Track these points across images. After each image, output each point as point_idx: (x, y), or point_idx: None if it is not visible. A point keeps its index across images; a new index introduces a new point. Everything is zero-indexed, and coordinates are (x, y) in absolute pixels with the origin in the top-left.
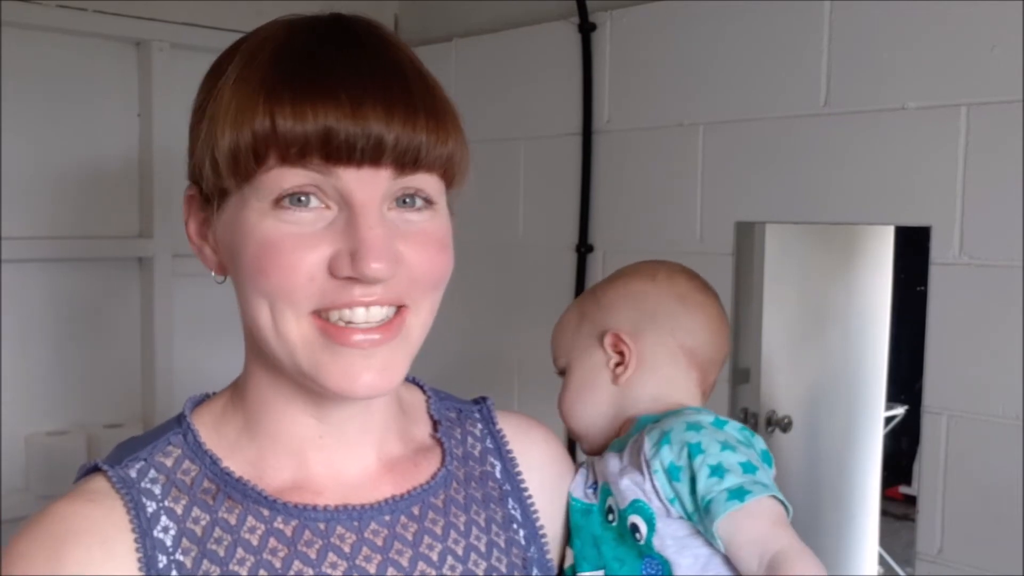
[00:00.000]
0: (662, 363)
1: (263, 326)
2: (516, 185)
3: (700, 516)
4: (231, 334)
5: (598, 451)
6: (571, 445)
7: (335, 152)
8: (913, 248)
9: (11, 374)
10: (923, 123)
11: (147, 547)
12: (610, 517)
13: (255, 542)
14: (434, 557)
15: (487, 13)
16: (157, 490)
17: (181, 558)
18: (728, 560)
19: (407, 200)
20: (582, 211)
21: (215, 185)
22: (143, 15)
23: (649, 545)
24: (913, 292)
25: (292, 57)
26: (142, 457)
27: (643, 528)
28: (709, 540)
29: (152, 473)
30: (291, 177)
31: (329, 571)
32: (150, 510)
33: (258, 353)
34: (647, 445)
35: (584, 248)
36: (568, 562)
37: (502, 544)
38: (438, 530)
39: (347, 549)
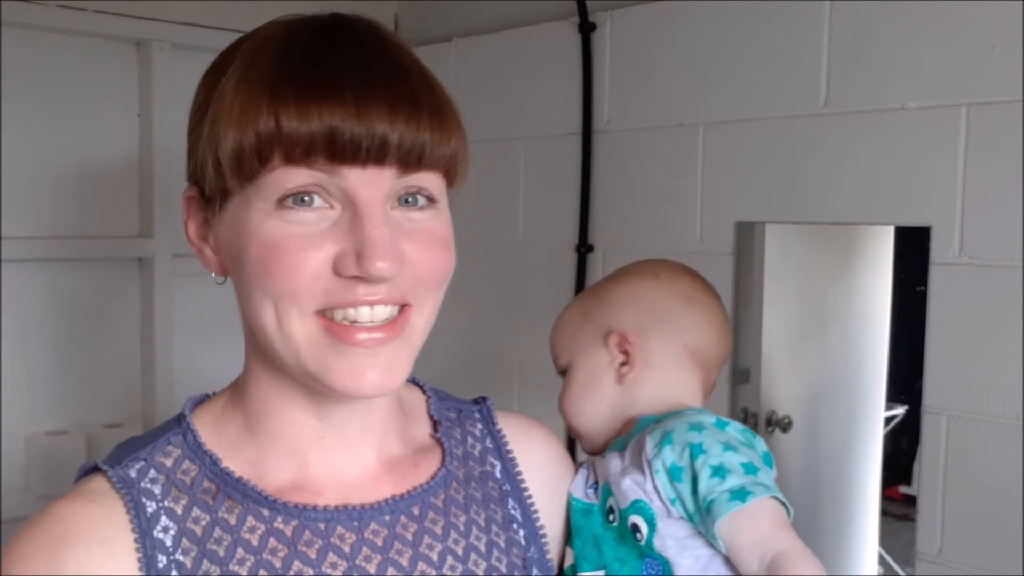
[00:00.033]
0: (666, 363)
1: (267, 326)
2: (516, 185)
3: (701, 516)
4: (231, 334)
5: (599, 450)
6: (571, 445)
7: (340, 152)
8: (913, 248)
9: (11, 374)
10: (923, 123)
11: (147, 547)
12: (611, 517)
13: (255, 542)
14: (434, 557)
15: (487, 13)
16: (157, 490)
17: (181, 558)
18: (728, 561)
19: (409, 199)
20: (582, 211)
21: (217, 186)
22: (143, 15)
23: (650, 545)
24: (913, 292)
25: (295, 57)
26: (142, 457)
27: (644, 528)
28: (709, 541)
29: (152, 473)
30: (295, 176)
31: (329, 571)
32: (150, 510)
33: (260, 353)
34: (649, 445)
35: (584, 248)
36: (568, 562)
37: (502, 544)
38: (438, 530)
39: (347, 549)
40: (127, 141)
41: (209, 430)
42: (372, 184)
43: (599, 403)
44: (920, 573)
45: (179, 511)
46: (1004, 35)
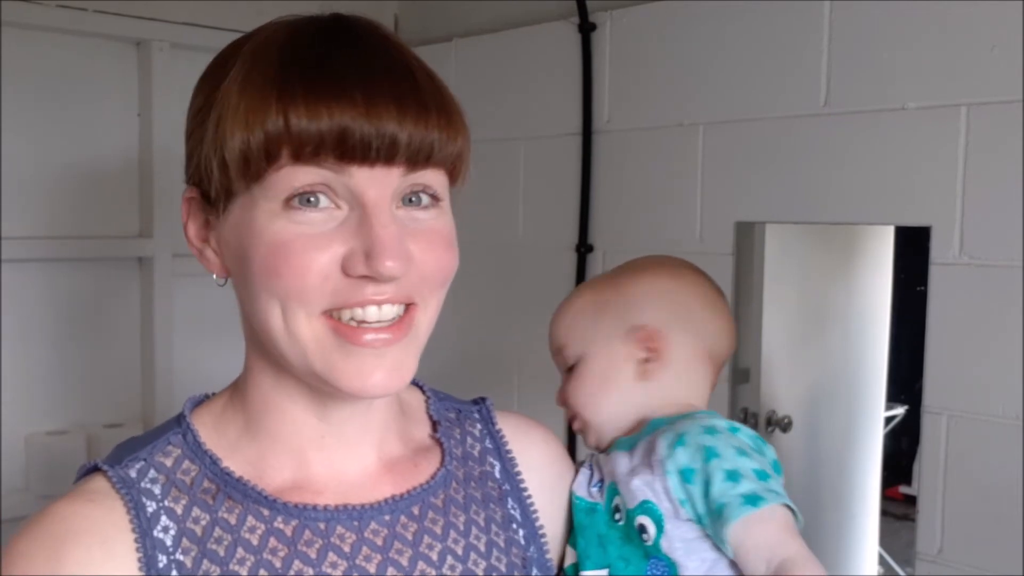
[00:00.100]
0: (685, 363)
1: (274, 327)
2: (516, 185)
3: (711, 519)
4: (231, 334)
5: (605, 447)
6: (571, 445)
7: (350, 151)
8: (913, 248)
9: (11, 374)
10: (923, 123)
11: (147, 547)
12: (617, 516)
13: (255, 542)
14: (434, 557)
15: (487, 13)
16: (157, 490)
17: (181, 558)
18: (733, 564)
19: (413, 199)
20: (582, 211)
21: (222, 187)
22: (143, 15)
23: (656, 546)
24: (913, 292)
25: (300, 57)
26: (142, 457)
27: (651, 529)
28: (717, 543)
29: (152, 473)
30: (303, 175)
31: (329, 571)
32: (150, 510)
33: (261, 353)
34: (662, 446)
35: (584, 248)
36: (568, 561)
37: (501, 544)
38: (438, 530)
39: (347, 549)
40: (127, 141)
41: (209, 430)
42: (379, 183)
43: (616, 398)
44: (920, 573)
45: (179, 511)
46: (1004, 35)
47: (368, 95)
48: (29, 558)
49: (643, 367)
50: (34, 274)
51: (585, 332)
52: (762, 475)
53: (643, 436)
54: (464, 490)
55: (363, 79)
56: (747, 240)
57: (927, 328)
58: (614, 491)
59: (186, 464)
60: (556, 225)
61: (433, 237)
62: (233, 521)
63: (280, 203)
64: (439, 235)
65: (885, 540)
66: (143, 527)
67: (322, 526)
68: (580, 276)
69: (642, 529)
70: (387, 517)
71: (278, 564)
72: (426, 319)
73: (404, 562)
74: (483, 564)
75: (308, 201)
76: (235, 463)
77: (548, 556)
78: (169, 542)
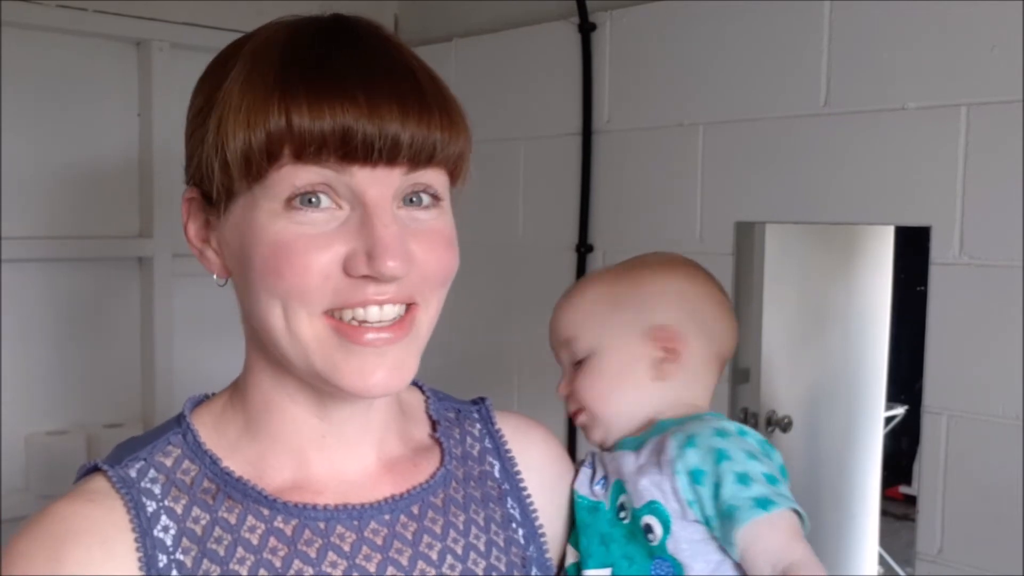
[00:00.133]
0: (698, 365)
1: (275, 327)
2: (516, 185)
3: (720, 521)
4: (231, 334)
5: (609, 445)
6: (570, 445)
7: (352, 151)
8: (913, 248)
9: (11, 374)
10: (923, 123)
11: (147, 546)
12: (622, 515)
13: (255, 541)
14: (433, 556)
15: (487, 13)
16: (157, 490)
17: (181, 557)
18: (738, 566)
19: (414, 199)
20: (582, 211)
21: (223, 187)
22: (143, 15)
23: (662, 547)
24: (913, 292)
25: (302, 57)
26: (142, 457)
27: (658, 529)
28: (723, 545)
29: (152, 473)
30: (304, 174)
31: (329, 570)
32: (150, 510)
33: (262, 353)
34: (672, 446)
35: (584, 248)
36: (569, 560)
37: (501, 543)
38: (437, 529)
39: (347, 548)
40: (127, 141)
41: (209, 430)
42: (381, 183)
43: (630, 396)
44: (920, 573)
45: (179, 511)
46: (1004, 35)
47: (370, 95)
48: (29, 558)
49: (660, 367)
50: (34, 274)
51: (600, 326)
52: (771, 479)
53: (650, 436)
54: (464, 489)
55: (365, 79)
56: (747, 240)
57: (927, 328)
58: (620, 489)
59: (186, 464)
60: (556, 225)
61: (434, 237)
62: (233, 521)
63: (281, 203)
64: (440, 235)
65: (885, 540)
66: (143, 527)
67: (322, 525)
68: (580, 276)
69: (648, 529)
70: (387, 516)
71: (278, 563)
72: (427, 319)
73: (404, 561)
74: (483, 563)
75: (309, 201)
76: (235, 463)
77: (548, 555)
78: (169, 542)
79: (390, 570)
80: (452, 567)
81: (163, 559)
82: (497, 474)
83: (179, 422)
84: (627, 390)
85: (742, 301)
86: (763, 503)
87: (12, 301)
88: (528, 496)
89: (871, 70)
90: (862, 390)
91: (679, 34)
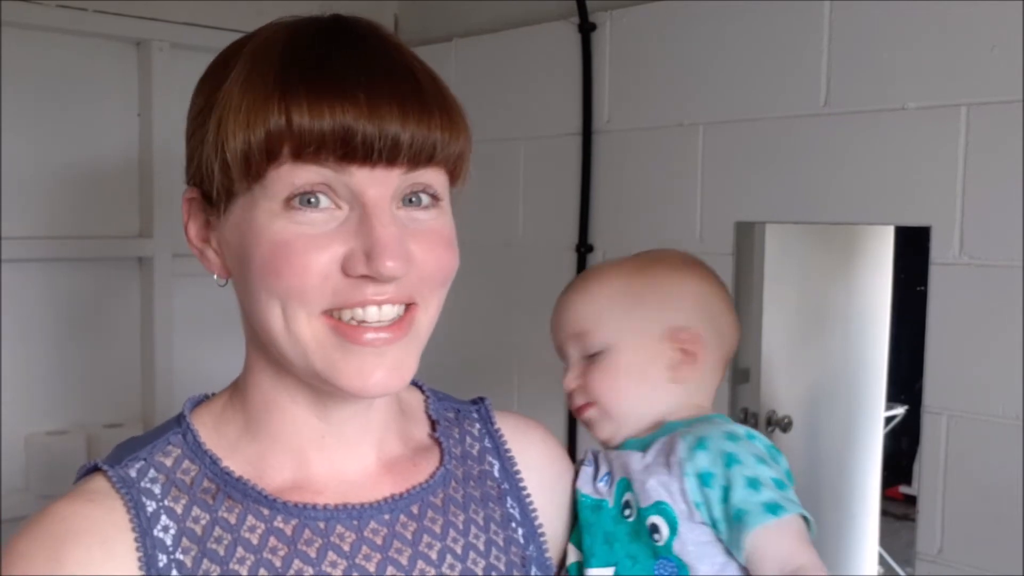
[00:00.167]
0: (708, 367)
1: (274, 327)
2: (516, 185)
3: (728, 524)
4: (231, 334)
5: (616, 442)
6: (570, 445)
7: (352, 151)
8: (913, 248)
9: (11, 374)
10: (923, 123)
11: (147, 546)
12: (626, 513)
13: (255, 541)
14: (433, 556)
15: (487, 13)
16: (157, 489)
17: (181, 557)
18: (744, 569)
19: (414, 199)
20: (582, 211)
21: (223, 187)
22: (143, 15)
23: (668, 547)
24: (913, 292)
25: (302, 57)
26: (142, 457)
27: (664, 530)
28: (730, 548)
29: (152, 473)
30: (303, 174)
31: (329, 570)
32: (150, 509)
33: (261, 353)
34: (681, 448)
35: (584, 248)
36: (571, 559)
37: (501, 543)
38: (437, 529)
39: (347, 548)
40: (127, 141)
41: (209, 430)
42: (380, 183)
43: (645, 396)
44: (920, 573)
45: (179, 510)
46: (1004, 35)
47: (371, 95)
48: (29, 558)
49: (676, 369)
50: (34, 274)
51: (618, 322)
52: (780, 484)
53: (658, 437)
54: (463, 489)
55: (365, 79)
56: (747, 240)
57: (927, 328)
58: (625, 487)
59: (186, 464)
60: (556, 225)
61: (433, 237)
62: (233, 520)
63: (280, 203)
64: (439, 235)
65: (885, 540)
66: (143, 527)
67: (322, 525)
68: None
69: (654, 529)
70: (386, 516)
71: (278, 563)
72: (427, 319)
73: (404, 561)
74: (482, 563)
75: (309, 201)
76: (235, 463)
77: (547, 555)
78: (169, 541)
79: (390, 570)
80: (452, 567)
81: (163, 559)
82: (496, 474)
83: (179, 422)
84: (643, 389)
85: (742, 301)
86: (773, 508)
87: (12, 301)
88: (527, 496)
89: (871, 70)
90: (862, 390)
91: (679, 34)
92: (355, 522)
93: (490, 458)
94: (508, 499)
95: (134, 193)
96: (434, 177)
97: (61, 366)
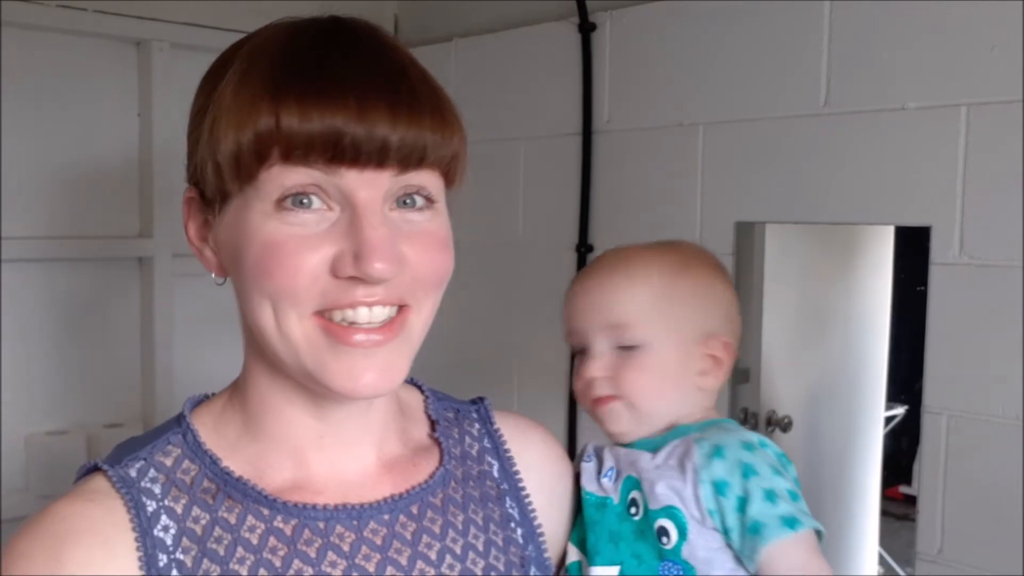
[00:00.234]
0: (728, 373)
1: (266, 327)
2: (516, 185)
3: (741, 534)
4: (231, 334)
5: (631, 439)
6: (570, 445)
7: (340, 154)
8: (913, 248)
9: (11, 374)
10: (923, 123)
11: (147, 546)
12: (632, 511)
13: (255, 541)
14: (432, 556)
15: (487, 13)
16: (157, 489)
17: (181, 557)
18: None
19: (407, 200)
20: (582, 211)
21: (217, 188)
22: (143, 15)
23: (676, 551)
24: (913, 292)
25: (295, 59)
26: (142, 457)
27: (673, 534)
28: (741, 557)
29: (152, 472)
30: (294, 175)
31: (328, 570)
32: (150, 509)
33: (259, 354)
34: (698, 454)
35: (584, 248)
36: (571, 558)
37: (500, 543)
38: (436, 529)
39: (346, 548)
40: (127, 141)
41: (209, 430)
42: (371, 185)
43: (673, 397)
44: (920, 573)
45: (179, 510)
46: (1004, 35)
47: (361, 98)
48: (30, 558)
49: (704, 375)
50: (34, 274)
51: (661, 321)
52: (794, 496)
53: (669, 440)
54: (463, 489)
55: (356, 81)
56: (747, 240)
57: (927, 328)
58: (632, 485)
59: (186, 464)
60: (556, 225)
61: (427, 239)
62: (233, 520)
63: (272, 204)
64: (433, 237)
65: (885, 540)
66: (143, 526)
67: (321, 525)
68: None
69: (662, 532)
70: (386, 516)
71: (278, 563)
72: (420, 321)
73: (403, 561)
74: (481, 563)
75: (301, 202)
76: (235, 463)
77: (546, 555)
78: (169, 541)
79: (389, 570)
80: (451, 567)
81: (163, 559)
82: (496, 474)
83: (179, 422)
84: (675, 392)
85: (742, 301)
86: (790, 522)
87: (12, 301)
88: (527, 496)
89: (871, 70)
90: (862, 390)
91: (679, 34)
92: (355, 522)
93: (489, 458)
94: (507, 499)
95: (134, 193)
96: (427, 179)
97: (61, 366)
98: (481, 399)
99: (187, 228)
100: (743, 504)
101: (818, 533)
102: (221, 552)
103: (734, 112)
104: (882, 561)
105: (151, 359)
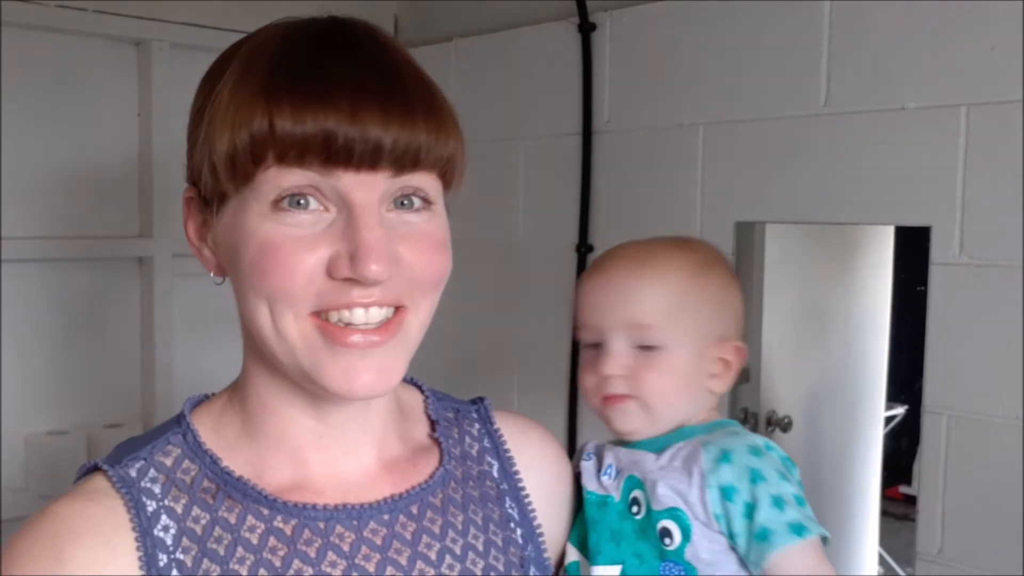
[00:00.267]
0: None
1: (263, 327)
2: (516, 185)
3: (748, 540)
4: (231, 334)
5: (638, 439)
6: (570, 445)
7: (334, 156)
8: (913, 248)
9: (11, 374)
10: (923, 123)
11: (148, 546)
12: (634, 509)
13: (255, 541)
14: (432, 556)
15: (487, 13)
16: (157, 489)
17: (181, 557)
18: None
19: (405, 202)
20: (582, 211)
21: (214, 188)
22: (143, 15)
23: (679, 553)
24: (913, 292)
25: (290, 61)
26: (142, 457)
27: (677, 536)
28: (747, 562)
29: (152, 472)
30: (290, 177)
31: (328, 570)
32: (150, 509)
33: (257, 354)
34: (705, 459)
35: (584, 248)
36: (570, 558)
37: (499, 543)
38: (436, 529)
39: (346, 548)
40: (127, 141)
41: (208, 430)
42: (366, 186)
43: (686, 400)
44: (920, 573)
45: (179, 510)
46: (1004, 35)
47: (354, 100)
48: (31, 557)
49: (714, 379)
50: (34, 274)
51: (682, 324)
52: (800, 501)
53: (672, 441)
54: (462, 489)
55: (351, 83)
56: (747, 240)
57: (927, 328)
58: (635, 485)
59: (186, 464)
60: (556, 225)
61: (424, 240)
62: (233, 520)
63: (269, 204)
64: (430, 238)
65: (885, 540)
66: (143, 526)
67: (321, 525)
68: (580, 277)
69: (665, 532)
70: (386, 516)
71: (278, 563)
72: (417, 322)
73: (403, 561)
74: (481, 563)
75: (298, 203)
76: (235, 463)
77: (546, 555)
78: (169, 541)
79: (389, 570)
80: (451, 567)
81: (163, 558)
82: (496, 474)
83: (179, 422)
84: (689, 394)
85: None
86: (798, 529)
87: (12, 301)
88: (526, 496)
89: (871, 70)
90: (862, 390)
91: (679, 34)
92: (355, 522)
93: (489, 458)
94: (507, 499)
95: (134, 193)
96: (424, 180)
97: (61, 366)
98: (481, 399)
99: (186, 228)
100: (751, 510)
101: (823, 539)
102: (221, 552)
103: (734, 112)
104: (882, 561)
105: (151, 359)
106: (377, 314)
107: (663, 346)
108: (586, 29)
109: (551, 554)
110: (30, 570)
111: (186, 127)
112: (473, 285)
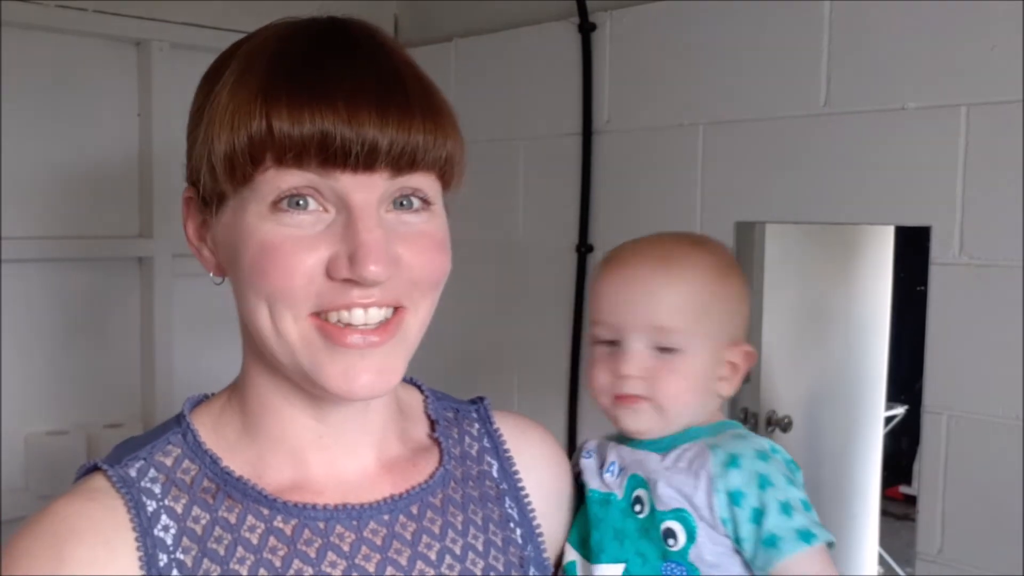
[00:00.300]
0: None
1: (262, 327)
2: (516, 185)
3: (755, 545)
4: (231, 334)
5: (645, 438)
6: (570, 445)
7: (331, 157)
8: (913, 248)
9: (11, 374)
10: (923, 123)
11: (148, 546)
12: (637, 508)
13: (255, 541)
14: (432, 556)
15: (487, 13)
16: (157, 489)
17: (181, 557)
18: None
19: (404, 202)
20: (582, 211)
21: (213, 189)
22: (143, 15)
23: (683, 554)
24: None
25: (289, 61)
26: (142, 456)
27: (681, 537)
28: (753, 567)
29: (152, 472)
30: (289, 178)
31: (328, 570)
32: (150, 509)
33: (257, 354)
34: (713, 463)
35: (584, 248)
36: (568, 558)
37: (499, 543)
38: (436, 529)
39: (346, 548)
40: (127, 141)
41: (208, 430)
42: (365, 187)
43: (698, 402)
44: (920, 573)
45: (179, 510)
46: (1004, 35)
47: (351, 101)
48: (32, 557)
49: (721, 383)
50: (34, 274)
51: (703, 327)
52: (807, 506)
53: (677, 442)
54: (462, 489)
55: (348, 84)
56: (747, 240)
57: (927, 328)
58: (637, 483)
59: (186, 463)
60: (556, 225)
61: (423, 240)
62: (233, 520)
63: (268, 205)
64: (429, 238)
65: (885, 540)
66: (143, 526)
67: (321, 525)
68: (580, 276)
69: (669, 533)
70: (386, 517)
71: (278, 563)
72: (416, 322)
73: (403, 561)
74: (481, 563)
75: (297, 204)
76: (235, 463)
77: (545, 555)
78: (169, 541)
79: (389, 570)
80: (451, 567)
81: (163, 558)
82: (495, 474)
83: (179, 422)
84: (702, 397)
85: None
86: (806, 536)
87: (12, 301)
88: (526, 496)
89: (871, 70)
90: (862, 390)
91: (679, 34)
92: (355, 522)
93: (489, 458)
94: (506, 499)
95: (134, 193)
96: (422, 181)
97: (61, 366)
98: (481, 399)
99: (186, 228)
100: (759, 516)
101: (828, 543)
102: (221, 552)
103: (734, 112)
104: (882, 561)
105: (151, 359)
106: (376, 314)
107: (682, 349)
108: (586, 29)
109: (550, 554)
110: (30, 570)
111: (186, 127)
112: (473, 285)
